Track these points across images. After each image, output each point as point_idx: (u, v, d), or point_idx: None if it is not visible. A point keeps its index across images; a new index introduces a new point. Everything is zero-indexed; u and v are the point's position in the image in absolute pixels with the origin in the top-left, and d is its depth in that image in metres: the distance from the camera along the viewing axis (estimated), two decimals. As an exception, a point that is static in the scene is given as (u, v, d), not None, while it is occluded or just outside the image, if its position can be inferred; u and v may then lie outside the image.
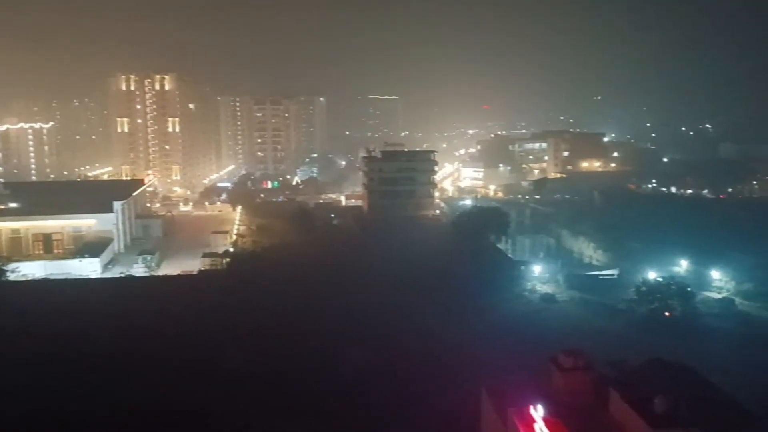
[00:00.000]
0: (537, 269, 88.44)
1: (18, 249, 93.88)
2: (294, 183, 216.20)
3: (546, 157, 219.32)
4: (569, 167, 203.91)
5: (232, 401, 43.51)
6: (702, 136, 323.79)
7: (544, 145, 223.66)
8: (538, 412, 23.46)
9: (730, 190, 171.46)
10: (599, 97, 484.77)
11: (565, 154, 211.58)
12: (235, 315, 60.74)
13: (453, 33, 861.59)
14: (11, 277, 74.14)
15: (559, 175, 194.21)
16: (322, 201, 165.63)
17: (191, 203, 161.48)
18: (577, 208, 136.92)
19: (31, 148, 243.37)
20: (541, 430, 22.99)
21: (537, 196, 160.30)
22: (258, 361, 49.98)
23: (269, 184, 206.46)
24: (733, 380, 40.40)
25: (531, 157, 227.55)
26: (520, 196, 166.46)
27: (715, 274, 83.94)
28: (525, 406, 24.14)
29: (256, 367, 49.02)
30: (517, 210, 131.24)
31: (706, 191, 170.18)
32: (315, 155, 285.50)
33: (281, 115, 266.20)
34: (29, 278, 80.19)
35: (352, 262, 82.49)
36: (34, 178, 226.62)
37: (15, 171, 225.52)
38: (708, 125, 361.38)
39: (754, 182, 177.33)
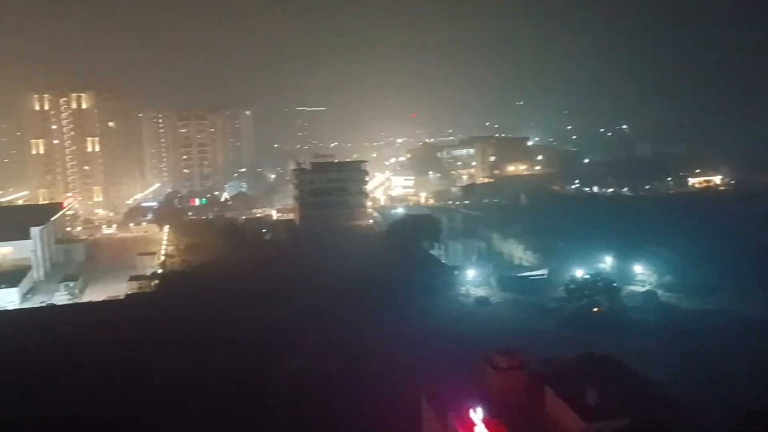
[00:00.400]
0: (470, 273, 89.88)
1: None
2: (223, 199, 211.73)
3: (474, 163, 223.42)
4: (496, 172, 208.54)
5: (169, 423, 42.03)
6: (619, 137, 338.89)
7: (471, 150, 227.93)
8: (477, 414, 23.73)
9: (647, 187, 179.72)
10: (522, 102, 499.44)
11: (492, 158, 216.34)
12: (168, 336, 58.75)
13: (378, 43, 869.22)
14: None
15: (487, 180, 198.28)
16: (252, 216, 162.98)
17: (115, 225, 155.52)
18: (505, 211, 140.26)
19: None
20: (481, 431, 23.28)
21: (467, 202, 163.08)
22: (194, 380, 48.58)
23: (197, 201, 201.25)
24: (658, 369, 42.27)
25: (459, 163, 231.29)
26: (450, 202, 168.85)
27: (638, 269, 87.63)
28: (464, 409, 24.39)
29: (193, 385, 47.67)
30: (448, 216, 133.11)
31: (625, 189, 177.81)
32: (243, 169, 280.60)
33: (207, 129, 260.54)
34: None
35: (286, 275, 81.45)
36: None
37: None
38: (625, 126, 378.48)
39: (669, 179, 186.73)
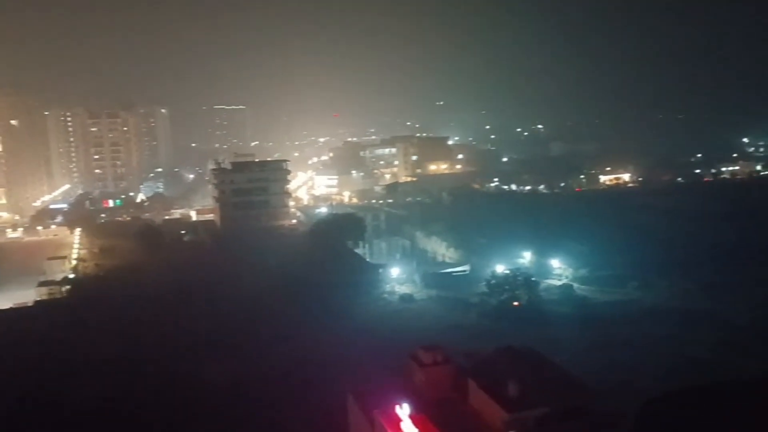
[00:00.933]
0: (395, 271, 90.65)
1: None
2: (138, 200, 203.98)
3: (396, 162, 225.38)
4: (419, 171, 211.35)
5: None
6: (535, 137, 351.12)
7: (393, 150, 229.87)
8: (403, 410, 23.95)
9: (562, 184, 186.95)
10: (441, 102, 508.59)
11: (414, 158, 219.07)
12: (81, 343, 56.07)
13: (300, 41, 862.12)
14: None
15: (409, 179, 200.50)
16: (170, 217, 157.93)
17: (21, 228, 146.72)
18: (428, 209, 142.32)
19: None
20: (407, 428, 23.50)
21: (390, 200, 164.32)
22: (112, 387, 46.68)
23: (111, 203, 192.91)
24: (575, 359, 44.07)
25: (382, 162, 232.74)
26: (374, 201, 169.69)
27: (555, 263, 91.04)
28: (390, 405, 24.56)
29: (111, 394, 45.78)
30: (372, 215, 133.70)
31: (542, 187, 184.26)
32: (160, 170, 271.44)
33: (120, 128, 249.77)
34: None
35: (207, 277, 79.47)
36: None
37: None
38: (540, 126, 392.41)
39: (582, 176, 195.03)
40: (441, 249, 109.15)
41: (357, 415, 28.31)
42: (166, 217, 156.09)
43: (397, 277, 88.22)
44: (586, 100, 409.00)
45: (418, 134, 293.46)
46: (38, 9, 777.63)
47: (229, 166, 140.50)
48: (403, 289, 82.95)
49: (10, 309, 76.28)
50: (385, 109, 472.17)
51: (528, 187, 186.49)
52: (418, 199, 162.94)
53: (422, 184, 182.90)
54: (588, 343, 58.42)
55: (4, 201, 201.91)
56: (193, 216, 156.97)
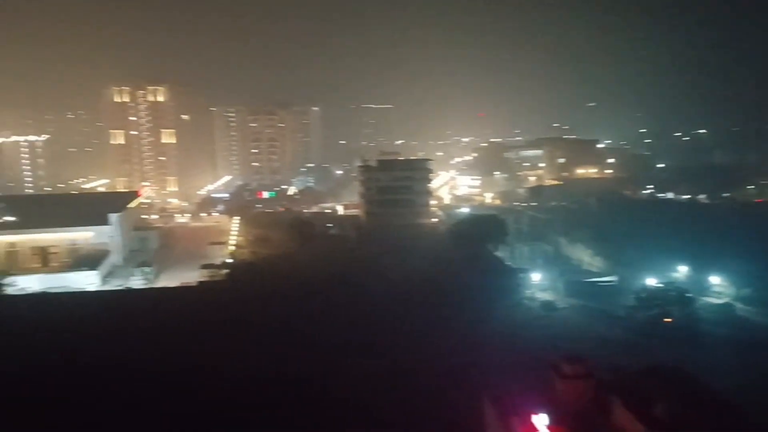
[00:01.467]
0: (536, 277, 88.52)
1: (15, 263, 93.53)
2: (290, 193, 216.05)
3: (541, 164, 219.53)
4: (565, 174, 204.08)
5: (233, 410, 43.37)
6: (696, 143, 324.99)
7: (539, 152, 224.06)
8: (540, 419, 23.48)
9: (726, 195, 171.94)
10: (593, 104, 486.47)
11: (561, 160, 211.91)
12: (236, 325, 60.60)
13: (447, 41, 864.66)
14: (8, 291, 73.84)
15: (555, 182, 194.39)
16: (318, 210, 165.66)
17: (188, 214, 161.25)
18: (573, 215, 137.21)
19: (26, 161, 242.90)
20: (544, 437, 23.01)
21: (533, 204, 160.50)
22: (259, 369, 49.97)
23: (265, 195, 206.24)
24: (731, 384, 40.49)
25: (527, 164, 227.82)
26: (516, 203, 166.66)
27: (715, 280, 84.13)
28: (527, 413, 24.17)
29: (258, 374, 49.04)
30: (514, 217, 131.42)
31: (702, 196, 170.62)
32: (311, 165, 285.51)
33: (276, 125, 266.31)
34: (26, 292, 79.93)
35: (350, 270, 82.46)
36: (29, 191, 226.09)
37: (10, 184, 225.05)
38: (703, 131, 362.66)
39: (751, 187, 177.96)
40: (586, 257, 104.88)
41: (493, 420, 28.13)
42: (315, 210, 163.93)
43: (538, 284, 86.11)
44: (760, 105, 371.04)
45: (565, 136, 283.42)
46: (204, 15, 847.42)
47: (375, 164, 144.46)
48: (544, 296, 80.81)
49: (178, 287, 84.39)
50: (532, 109, 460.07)
51: (686, 196, 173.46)
52: (564, 203, 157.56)
53: (568, 188, 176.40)
54: (752, 369, 53.34)
55: (175, 189, 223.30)
56: (340, 210, 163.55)
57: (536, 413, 23.66)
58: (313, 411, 43.67)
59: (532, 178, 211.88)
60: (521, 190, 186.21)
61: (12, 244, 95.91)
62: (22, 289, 79.00)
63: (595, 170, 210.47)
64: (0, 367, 50.65)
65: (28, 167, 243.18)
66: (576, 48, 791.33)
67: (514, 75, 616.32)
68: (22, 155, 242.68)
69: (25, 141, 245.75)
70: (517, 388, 28.79)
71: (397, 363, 51.21)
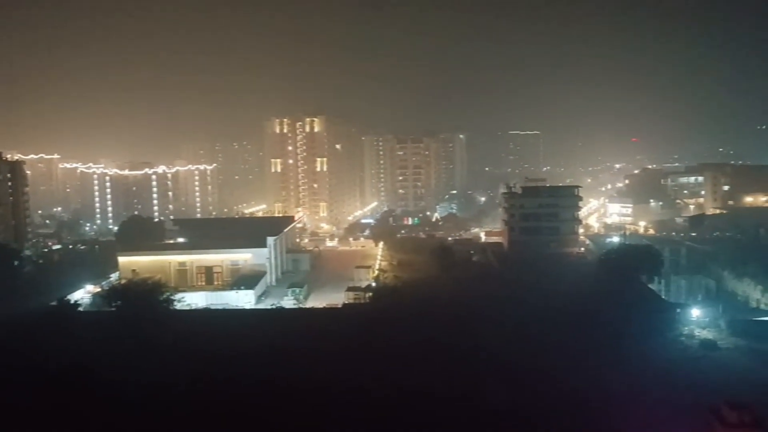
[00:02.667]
0: (695, 313, 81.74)
1: (184, 280, 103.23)
2: (434, 219, 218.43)
3: (703, 192, 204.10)
4: (730, 202, 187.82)
5: (372, 423, 44.49)
6: None
7: (700, 179, 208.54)
8: (697, 468, 21.84)
9: None
10: (764, 126, 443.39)
11: (725, 188, 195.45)
12: (379, 346, 62.14)
13: (597, 64, 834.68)
14: (178, 306, 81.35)
15: (718, 211, 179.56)
16: (461, 237, 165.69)
17: (337, 239, 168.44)
18: (741, 246, 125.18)
19: (197, 188, 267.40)
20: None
21: (693, 234, 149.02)
22: (400, 390, 50.91)
23: (410, 221, 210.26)
24: None
25: (685, 191, 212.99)
26: (674, 233, 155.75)
27: None
28: (682, 460, 22.59)
29: (400, 395, 49.99)
30: (670, 248, 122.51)
31: None
32: (454, 192, 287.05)
33: (422, 152, 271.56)
34: (192, 307, 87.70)
35: (492, 298, 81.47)
36: (198, 215, 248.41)
37: (183, 209, 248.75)
38: None
39: None
40: (755, 293, 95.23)
41: (642, 464, 26.54)
42: (458, 237, 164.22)
43: (697, 320, 79.40)
44: None
45: (731, 162, 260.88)
46: (357, 48, 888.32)
47: (519, 191, 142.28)
48: (704, 334, 74.18)
49: (324, 308, 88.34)
50: (692, 134, 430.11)
51: None
52: (728, 234, 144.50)
53: (734, 217, 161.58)
54: None
55: (325, 214, 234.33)
56: (482, 237, 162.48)
57: (692, 461, 22.08)
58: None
59: (692, 207, 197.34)
60: (679, 219, 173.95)
61: (182, 263, 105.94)
62: (189, 304, 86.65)
63: (766, 199, 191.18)
64: (170, 370, 56.15)
65: (198, 193, 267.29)
66: (743, 65, 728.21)
67: (671, 97, 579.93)
68: (195, 182, 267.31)
69: (197, 169, 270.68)
70: (671, 432, 26.96)
71: (533, 397, 49.67)
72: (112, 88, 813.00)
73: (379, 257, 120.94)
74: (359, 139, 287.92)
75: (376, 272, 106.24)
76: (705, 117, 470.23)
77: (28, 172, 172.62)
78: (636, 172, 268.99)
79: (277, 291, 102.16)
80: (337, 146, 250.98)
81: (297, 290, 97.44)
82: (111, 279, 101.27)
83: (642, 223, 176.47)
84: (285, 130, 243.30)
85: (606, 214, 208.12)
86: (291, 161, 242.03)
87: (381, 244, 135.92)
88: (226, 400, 49.39)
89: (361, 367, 57.07)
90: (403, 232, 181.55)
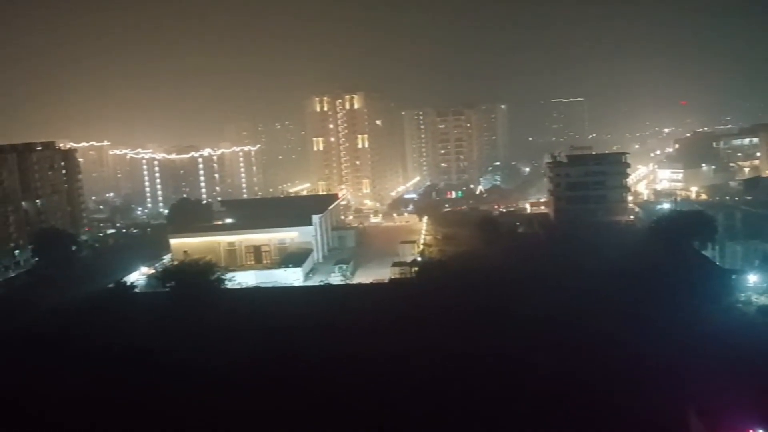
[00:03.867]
0: (752, 279, 79.50)
1: (233, 259, 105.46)
2: (477, 192, 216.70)
3: (758, 154, 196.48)
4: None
5: (423, 401, 45.06)
6: None
7: (755, 140, 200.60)
8: (757, 436, 21.47)
9: None
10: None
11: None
12: (424, 322, 62.53)
13: (641, 25, 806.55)
14: (229, 285, 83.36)
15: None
16: (506, 209, 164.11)
17: (381, 215, 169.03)
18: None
19: (242, 169, 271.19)
20: (761, 456, 21.02)
21: (748, 198, 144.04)
22: (445, 363, 51.40)
23: (453, 194, 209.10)
24: None
25: (740, 154, 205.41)
26: (728, 197, 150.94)
27: None
28: (741, 429, 22.23)
29: (444, 367, 50.50)
30: (724, 213, 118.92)
31: None
32: (498, 163, 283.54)
33: (463, 125, 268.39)
34: (243, 286, 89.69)
35: (539, 269, 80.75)
36: (244, 195, 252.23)
37: (229, 190, 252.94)
38: None
39: None
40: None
41: (699, 432, 26.20)
42: (503, 209, 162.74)
43: (754, 286, 77.23)
44: None
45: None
46: (391, 24, 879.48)
47: (564, 160, 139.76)
48: (761, 301, 72.23)
49: (371, 284, 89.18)
50: (744, 94, 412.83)
51: None
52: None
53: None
54: None
55: (368, 190, 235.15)
56: (528, 209, 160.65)
57: (752, 429, 21.68)
58: (507, 405, 43.88)
59: (747, 170, 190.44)
60: (733, 183, 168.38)
61: (231, 243, 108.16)
62: (239, 283, 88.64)
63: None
64: (223, 346, 57.91)
65: (243, 174, 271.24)
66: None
67: (720, 58, 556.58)
68: (240, 163, 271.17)
69: (242, 150, 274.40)
70: (728, 401, 26.52)
71: (590, 366, 49.35)
72: (156, 75, 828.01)
73: (423, 232, 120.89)
74: (399, 114, 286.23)
75: (421, 247, 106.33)
76: (757, 75, 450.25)
77: (80, 159, 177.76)
78: (686, 136, 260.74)
79: (324, 268, 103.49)
80: (378, 122, 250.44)
81: (344, 266, 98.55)
82: (164, 260, 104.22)
83: (694, 189, 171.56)
84: (325, 108, 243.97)
85: (656, 180, 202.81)
86: (333, 139, 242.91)
87: (425, 219, 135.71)
88: (280, 376, 50.69)
89: (409, 340, 57.65)
90: (446, 206, 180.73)
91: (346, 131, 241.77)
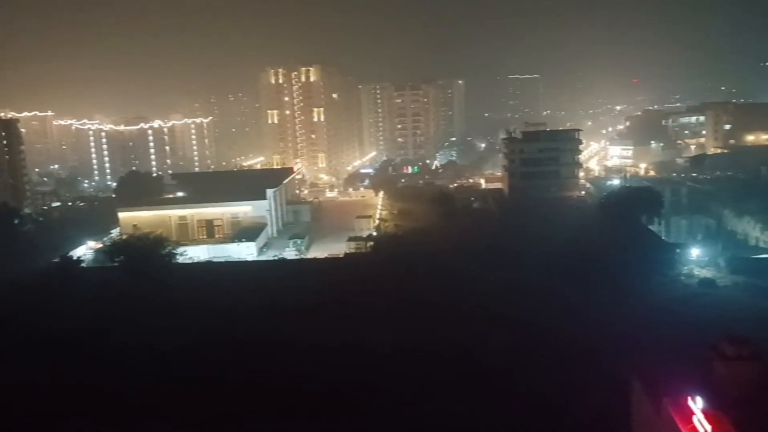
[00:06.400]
0: (694, 252, 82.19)
1: (185, 234, 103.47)
2: (433, 167, 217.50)
3: (704, 132, 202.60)
4: (732, 142, 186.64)
5: (375, 376, 45.15)
6: None
7: (701, 118, 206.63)
8: (696, 403, 22.06)
9: None
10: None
11: (727, 127, 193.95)
12: (378, 296, 62.59)
13: (597, 3, 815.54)
14: (180, 259, 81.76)
15: (719, 151, 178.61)
16: (461, 184, 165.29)
17: (336, 189, 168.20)
18: (741, 185, 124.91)
19: (194, 141, 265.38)
20: (700, 422, 21.63)
21: (694, 174, 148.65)
22: (405, 339, 51.55)
23: (409, 169, 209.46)
24: None
25: (686, 132, 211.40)
26: (674, 174, 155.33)
27: None
28: (681, 396, 22.82)
29: (399, 342, 50.66)
30: (671, 189, 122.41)
31: None
32: (454, 139, 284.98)
33: (420, 100, 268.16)
34: (195, 260, 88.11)
35: (493, 244, 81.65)
36: (196, 168, 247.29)
37: (180, 163, 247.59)
38: None
39: None
40: (754, 231, 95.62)
41: (642, 401, 26.88)
42: (458, 184, 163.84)
43: (697, 259, 79.90)
44: None
45: (734, 100, 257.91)
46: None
47: (519, 136, 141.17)
48: (703, 273, 74.78)
49: (325, 258, 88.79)
50: (693, 73, 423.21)
51: None
52: (729, 173, 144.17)
53: (736, 156, 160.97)
54: None
55: (324, 165, 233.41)
56: (483, 184, 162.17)
57: (692, 396, 22.29)
58: (457, 381, 44.34)
59: (693, 147, 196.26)
60: (680, 160, 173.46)
61: (183, 217, 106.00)
62: (191, 258, 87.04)
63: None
64: (173, 323, 56.77)
65: (195, 147, 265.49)
66: (746, 0, 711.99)
67: (672, 36, 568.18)
68: (192, 136, 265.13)
69: (193, 123, 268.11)
70: (670, 369, 27.23)
71: (537, 338, 50.33)
72: (103, 44, 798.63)
73: (379, 207, 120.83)
74: (356, 88, 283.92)
75: (377, 222, 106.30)
76: (707, 55, 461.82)
77: (22, 130, 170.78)
78: (637, 113, 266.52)
79: (278, 242, 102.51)
80: (334, 96, 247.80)
81: (298, 241, 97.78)
82: (112, 235, 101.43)
83: (643, 165, 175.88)
84: (280, 81, 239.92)
85: (607, 156, 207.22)
86: (288, 112, 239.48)
87: (381, 194, 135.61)
88: (231, 353, 50.04)
89: (363, 316, 57.63)
90: (402, 181, 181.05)
91: (301, 104, 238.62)
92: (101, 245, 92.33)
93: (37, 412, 41.83)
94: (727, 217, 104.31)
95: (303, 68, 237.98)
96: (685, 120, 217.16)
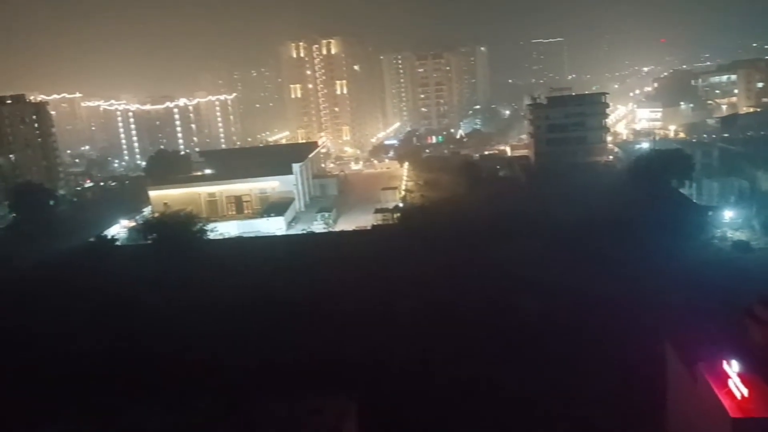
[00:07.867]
0: (727, 215, 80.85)
1: (215, 210, 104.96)
2: (458, 136, 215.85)
3: (736, 91, 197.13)
4: (765, 100, 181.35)
5: (406, 345, 45.90)
6: None
7: (732, 77, 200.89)
8: (732, 366, 22.14)
9: None
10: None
11: (760, 85, 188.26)
12: (408, 267, 63.13)
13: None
14: (211, 235, 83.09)
15: (752, 110, 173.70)
16: (487, 153, 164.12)
17: (361, 162, 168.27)
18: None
19: (219, 118, 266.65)
20: (735, 385, 21.74)
21: (726, 135, 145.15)
22: (429, 308, 52.20)
23: (434, 139, 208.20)
24: None
25: (717, 91, 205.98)
26: (705, 135, 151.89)
27: None
28: (716, 360, 22.89)
29: (429, 312, 51.31)
30: (702, 151, 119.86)
31: None
32: (478, 107, 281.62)
33: (443, 68, 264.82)
34: (225, 236, 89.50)
35: (521, 212, 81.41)
36: (223, 145, 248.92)
37: (207, 140, 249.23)
38: None
39: None
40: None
41: (676, 365, 27.00)
42: (483, 153, 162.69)
43: (730, 222, 78.64)
44: None
45: (766, 57, 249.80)
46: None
47: (544, 101, 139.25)
48: (737, 236, 73.68)
49: (353, 231, 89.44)
50: (723, 31, 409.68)
51: None
52: (763, 133, 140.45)
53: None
54: None
55: (348, 137, 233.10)
56: (508, 152, 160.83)
57: (727, 360, 22.35)
58: (488, 345, 44.86)
59: (724, 107, 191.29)
60: (711, 121, 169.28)
61: (212, 194, 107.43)
62: (221, 234, 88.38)
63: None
64: (204, 299, 58.14)
65: (221, 124, 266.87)
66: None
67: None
68: (216, 113, 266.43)
69: (218, 100, 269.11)
70: (704, 334, 27.22)
71: (569, 304, 50.43)
72: (126, 24, 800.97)
73: (404, 178, 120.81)
74: (378, 58, 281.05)
75: (403, 193, 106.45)
76: (737, 11, 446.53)
77: (52, 112, 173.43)
78: (665, 74, 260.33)
79: (306, 216, 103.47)
80: (356, 67, 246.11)
81: (326, 214, 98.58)
82: (144, 213, 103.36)
83: (672, 128, 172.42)
84: (302, 54, 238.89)
85: (635, 120, 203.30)
86: (310, 86, 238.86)
87: (406, 165, 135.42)
88: (264, 325, 51.16)
89: (393, 286, 58.30)
90: (427, 151, 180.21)
91: (323, 77, 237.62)
92: (134, 224, 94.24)
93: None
94: (761, 178, 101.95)
95: (324, 41, 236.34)
96: (715, 79, 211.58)
